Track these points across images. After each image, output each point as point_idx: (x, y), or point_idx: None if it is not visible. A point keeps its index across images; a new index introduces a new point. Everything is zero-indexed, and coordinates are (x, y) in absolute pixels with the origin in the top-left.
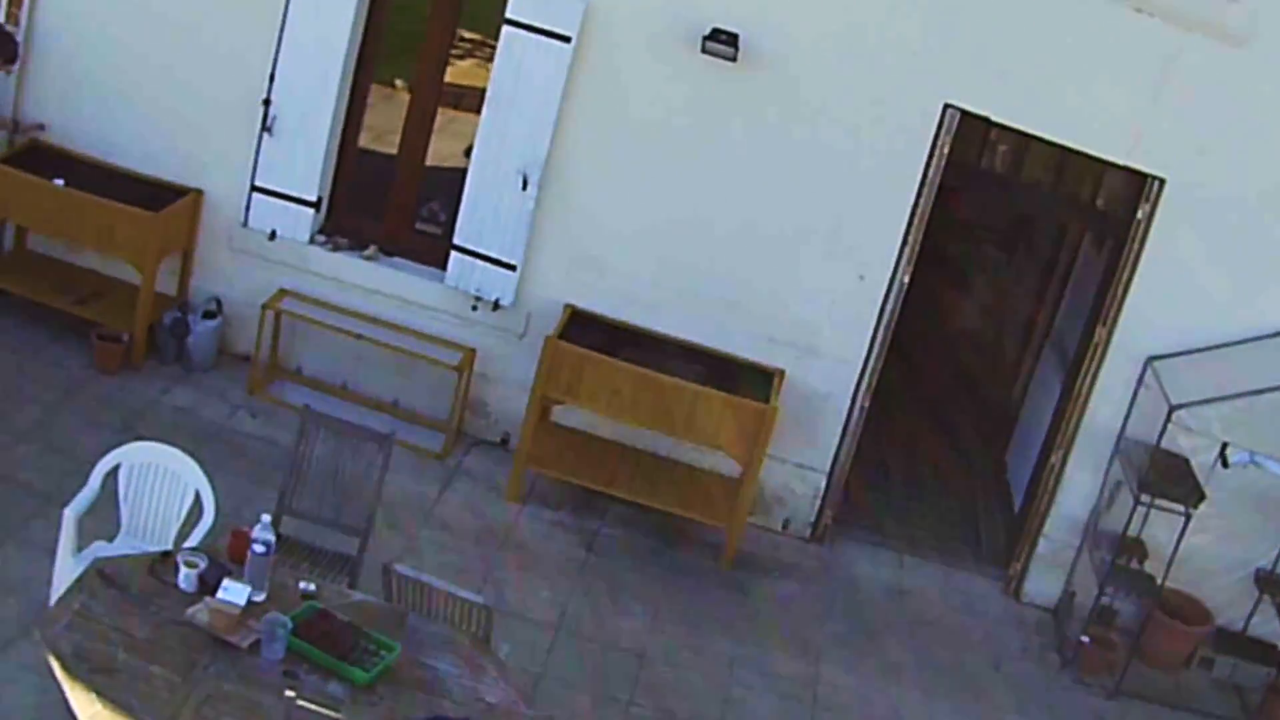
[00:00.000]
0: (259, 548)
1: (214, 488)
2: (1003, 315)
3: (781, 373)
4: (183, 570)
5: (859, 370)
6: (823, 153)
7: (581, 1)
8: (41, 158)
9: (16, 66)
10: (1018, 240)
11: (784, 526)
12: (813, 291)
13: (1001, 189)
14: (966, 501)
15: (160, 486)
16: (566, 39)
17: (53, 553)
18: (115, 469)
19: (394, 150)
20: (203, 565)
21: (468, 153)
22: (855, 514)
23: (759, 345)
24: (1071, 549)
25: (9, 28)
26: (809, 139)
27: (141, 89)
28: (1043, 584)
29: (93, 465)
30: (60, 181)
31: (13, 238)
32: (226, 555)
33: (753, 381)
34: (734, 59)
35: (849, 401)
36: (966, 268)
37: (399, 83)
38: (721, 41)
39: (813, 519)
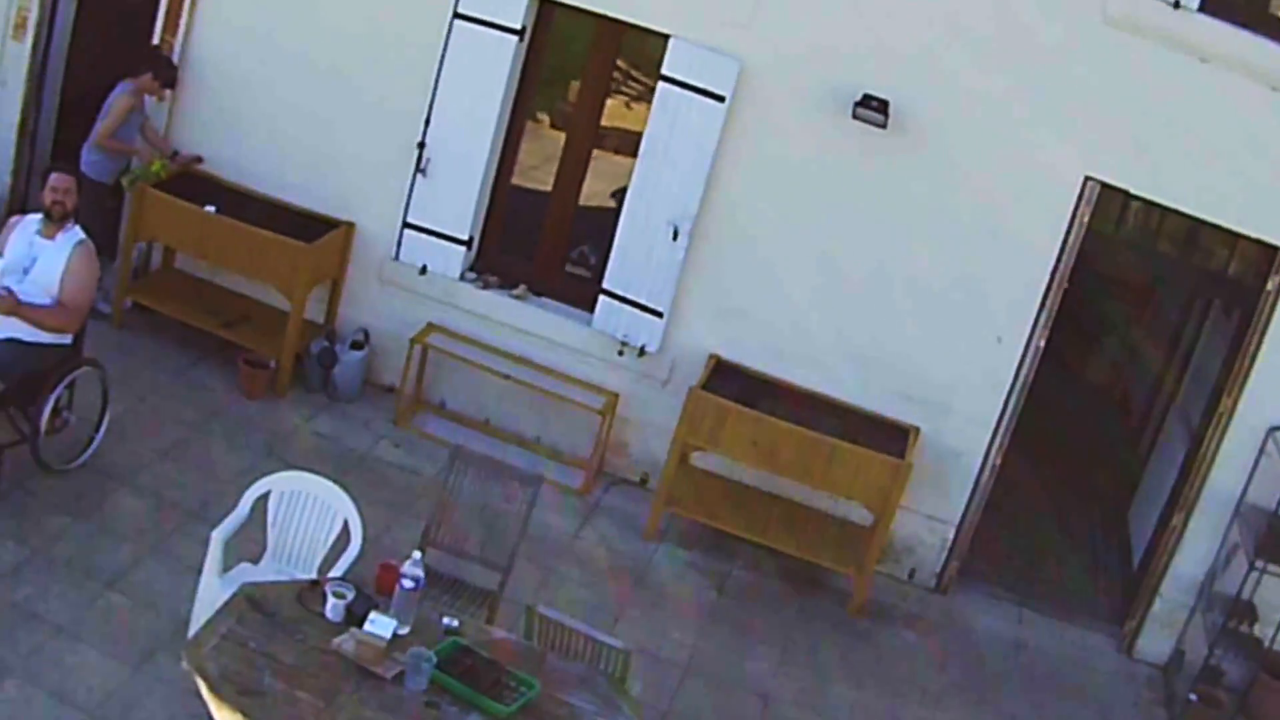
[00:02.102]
0: (408, 583)
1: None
2: (1130, 373)
3: (917, 430)
4: (331, 600)
5: (993, 430)
6: (965, 217)
7: (736, 62)
8: (192, 184)
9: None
10: (1148, 299)
11: (910, 576)
12: (950, 352)
13: (1133, 254)
14: (1087, 557)
15: (309, 514)
16: (721, 98)
17: (194, 569)
18: (265, 494)
19: (540, 186)
20: (350, 597)
21: (614, 195)
22: (979, 565)
23: (895, 402)
24: (1185, 609)
25: (166, 54)
26: (953, 204)
27: (294, 124)
28: (1155, 641)
29: (235, 486)
30: (212, 208)
31: (161, 257)
32: (374, 587)
33: (888, 437)
34: (884, 125)
35: (981, 459)
36: (1097, 323)
37: (542, 116)
38: (872, 108)
39: (938, 569)
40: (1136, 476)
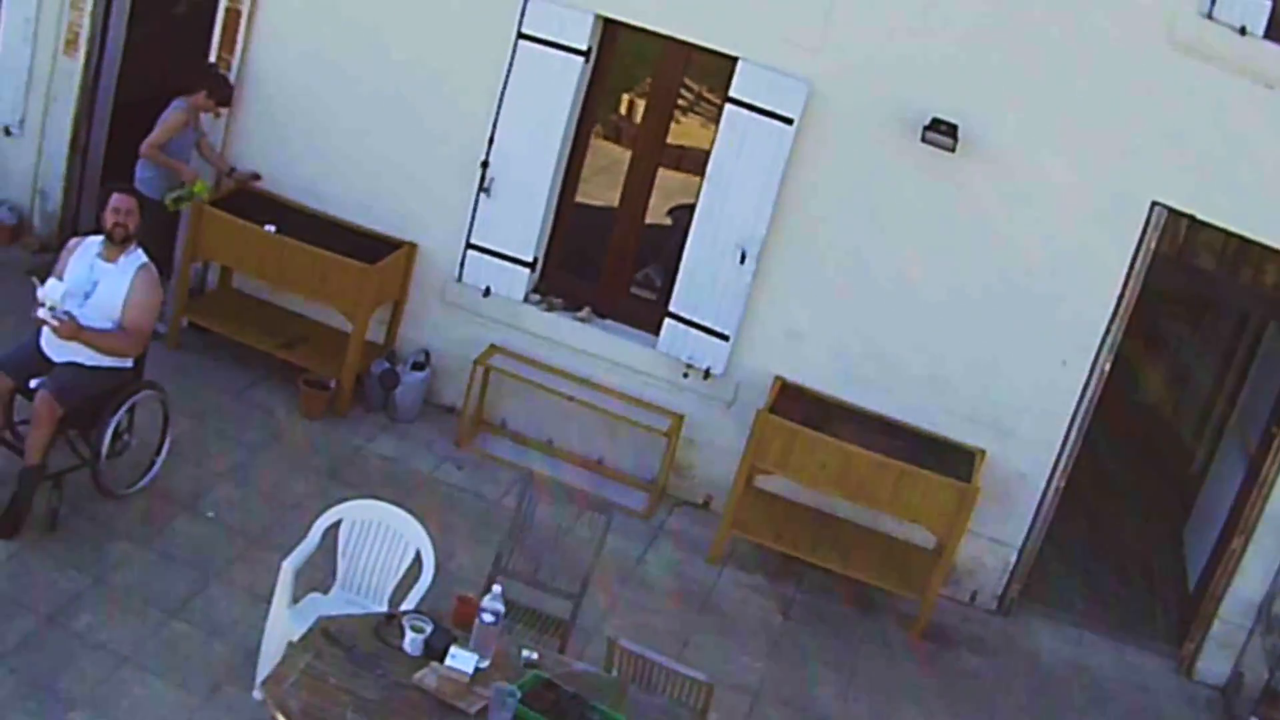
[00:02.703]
0: (488, 617)
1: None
2: (1183, 389)
3: (982, 452)
4: (409, 634)
5: (1056, 452)
6: (1032, 241)
7: (805, 85)
8: (250, 202)
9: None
10: (1202, 315)
11: (971, 599)
12: (1016, 374)
13: (1186, 275)
14: (1143, 576)
15: (380, 543)
16: (789, 121)
17: (257, 596)
18: (335, 523)
19: (599, 200)
20: (429, 630)
21: (671, 212)
22: (1038, 586)
23: (960, 424)
24: (1244, 631)
25: (221, 71)
26: (1020, 228)
27: (354, 142)
28: (1214, 664)
29: (297, 510)
30: (272, 228)
31: (217, 276)
32: (451, 620)
33: (953, 460)
34: (953, 149)
35: (1045, 482)
36: (1150, 338)
37: (598, 127)
38: (941, 132)
39: (1000, 592)
40: (1190, 495)
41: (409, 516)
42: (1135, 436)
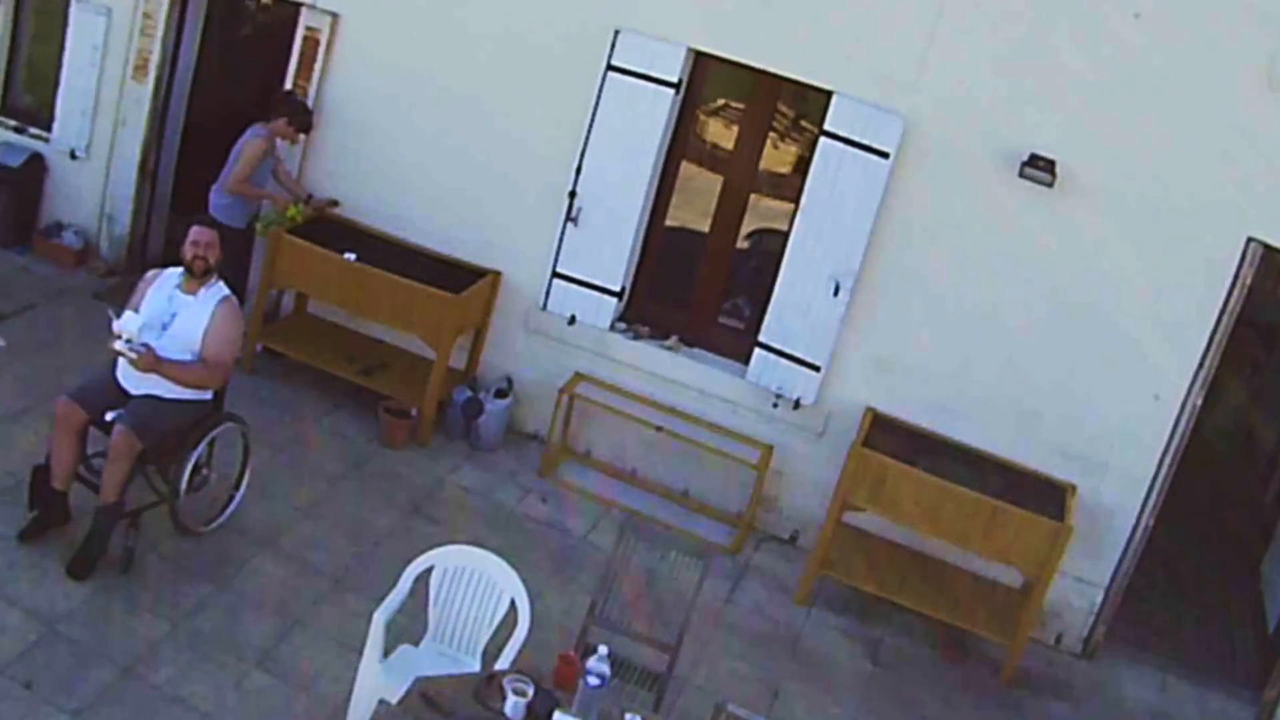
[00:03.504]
0: (594, 680)
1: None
2: (1260, 413)
3: (1073, 488)
4: (511, 698)
5: (1146, 489)
6: (1127, 276)
7: (901, 120)
8: (328, 229)
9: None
10: (1275, 341)
11: (1057, 641)
12: (1107, 409)
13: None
14: (1222, 614)
15: (474, 592)
16: (885, 155)
17: (344, 645)
18: (427, 570)
19: (686, 223)
20: (531, 693)
21: (749, 236)
22: (1122, 625)
23: (1050, 458)
24: None
25: (300, 98)
26: (1114, 262)
27: (436, 169)
28: None
29: (381, 549)
30: (352, 256)
31: (293, 302)
32: (552, 681)
33: (1043, 495)
34: (1051, 185)
35: (1134, 519)
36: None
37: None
38: (1040, 167)
39: (1085, 634)
40: (1267, 524)
41: (503, 563)
42: (1209, 462)
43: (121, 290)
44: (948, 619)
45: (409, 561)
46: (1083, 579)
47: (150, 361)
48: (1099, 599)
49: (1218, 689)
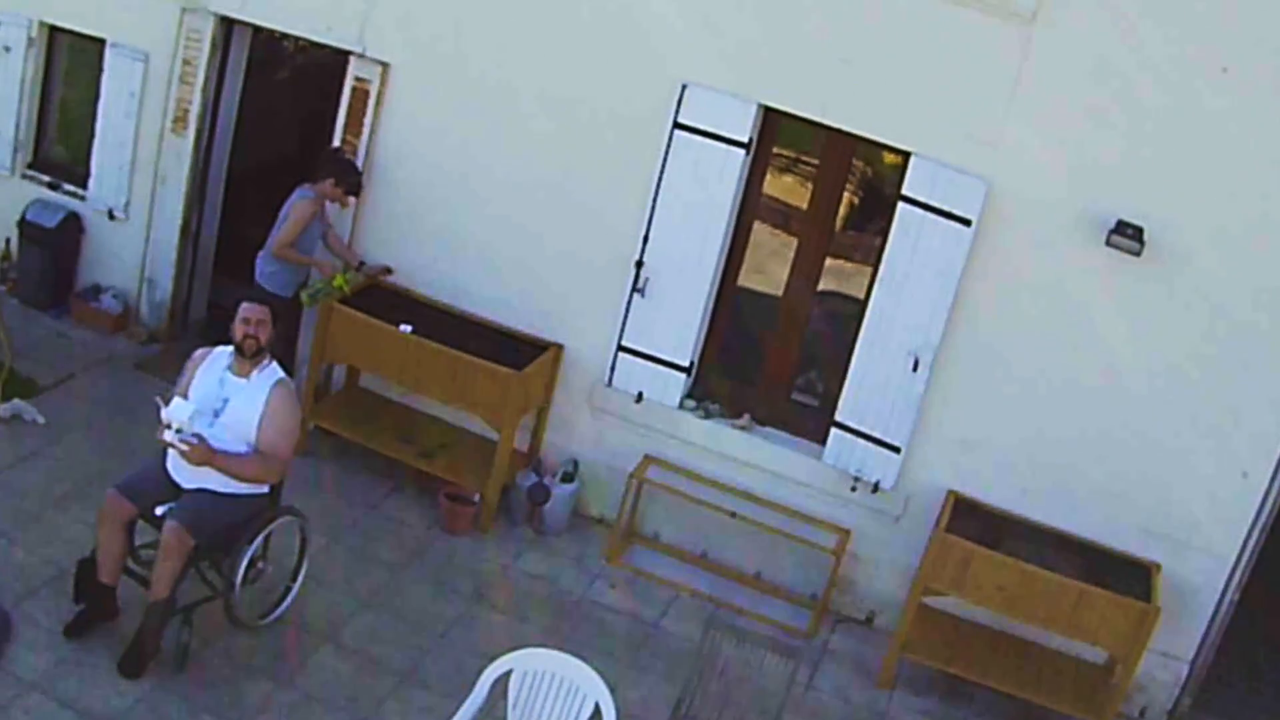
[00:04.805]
0: None
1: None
2: None
3: (1158, 566)
4: None
5: (1232, 565)
6: (1216, 347)
7: (984, 185)
8: (381, 299)
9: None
10: None
11: (1141, 715)
12: (1194, 486)
13: None
14: None
15: (555, 697)
16: (967, 222)
17: None
18: (505, 674)
19: (758, 287)
20: None
21: (818, 295)
22: (1205, 694)
23: (1133, 537)
24: None
25: (348, 156)
26: (1204, 334)
27: (494, 236)
28: None
29: (446, 640)
30: (408, 328)
31: (344, 375)
32: None
33: (1128, 575)
34: (1139, 253)
35: (1219, 594)
36: None
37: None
38: (1127, 235)
39: (1170, 707)
40: None
41: (584, 665)
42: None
43: (164, 360)
44: (1032, 698)
45: (477, 653)
46: (1167, 653)
47: (204, 455)
48: (1184, 672)
49: None
